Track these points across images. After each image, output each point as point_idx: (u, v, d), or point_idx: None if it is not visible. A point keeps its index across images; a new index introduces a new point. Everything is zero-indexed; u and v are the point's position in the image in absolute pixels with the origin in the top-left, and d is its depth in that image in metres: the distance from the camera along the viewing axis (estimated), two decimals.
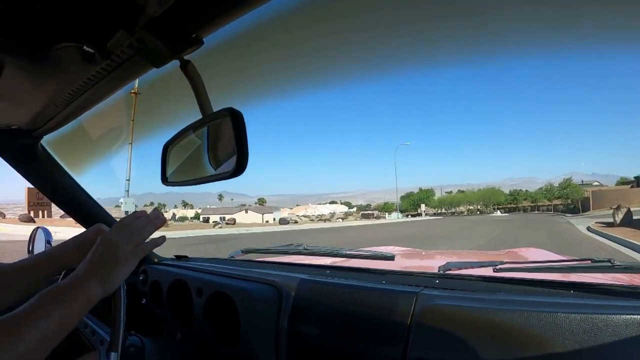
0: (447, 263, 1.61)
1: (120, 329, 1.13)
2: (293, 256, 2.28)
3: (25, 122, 1.74)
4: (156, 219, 1.15)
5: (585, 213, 68.62)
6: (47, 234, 1.99)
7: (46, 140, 1.98)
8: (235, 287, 1.67)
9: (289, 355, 1.51)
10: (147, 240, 1.10)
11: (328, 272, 1.71)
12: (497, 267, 1.48)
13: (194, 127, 1.06)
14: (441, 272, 1.53)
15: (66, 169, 2.15)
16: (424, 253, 2.89)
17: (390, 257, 1.78)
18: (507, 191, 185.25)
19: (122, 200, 32.88)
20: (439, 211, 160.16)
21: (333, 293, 1.46)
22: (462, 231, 29.02)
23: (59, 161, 2.11)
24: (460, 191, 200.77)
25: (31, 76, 1.30)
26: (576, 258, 1.52)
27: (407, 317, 1.23)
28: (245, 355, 1.56)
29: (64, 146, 2.09)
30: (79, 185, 2.20)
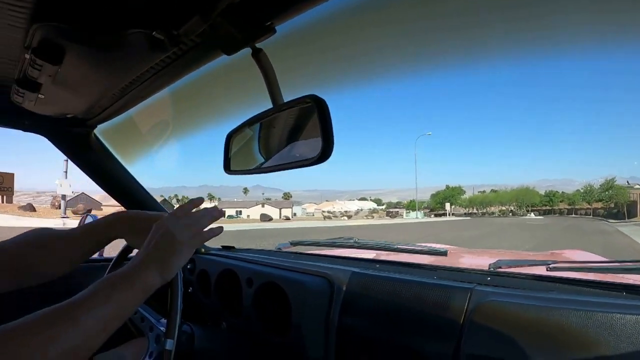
0: (498, 260, 1.58)
1: (177, 317, 1.13)
2: (341, 249, 2.28)
3: (81, 111, 1.77)
4: (214, 210, 1.15)
5: (632, 219, 62.05)
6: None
7: (99, 130, 2.02)
8: (287, 278, 1.67)
9: (337, 347, 1.51)
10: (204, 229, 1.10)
11: (378, 265, 1.70)
12: (550, 265, 1.45)
13: (266, 115, 1.06)
14: (492, 269, 1.50)
15: (118, 157, 2.20)
16: (473, 250, 2.86)
17: (443, 253, 1.77)
18: (542, 192, 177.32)
19: (57, 181, 30.17)
20: (469, 211, 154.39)
21: (384, 287, 1.45)
22: (483, 240, 23.52)
23: (111, 150, 2.17)
24: (493, 191, 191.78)
25: (92, 64, 1.32)
26: (628, 259, 1.48)
27: (461, 313, 1.21)
28: (294, 345, 1.56)
29: (117, 135, 2.12)
30: (129, 174, 2.24)
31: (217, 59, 1.17)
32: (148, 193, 2.34)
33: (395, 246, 1.96)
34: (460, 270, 1.50)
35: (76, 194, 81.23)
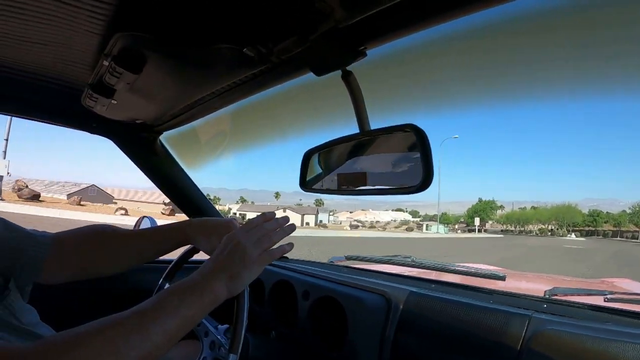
0: (554, 288, 1.55)
1: (242, 332, 1.12)
2: (395, 266, 2.25)
3: (151, 118, 1.81)
4: (286, 224, 1.14)
5: None
6: (153, 222, 2.05)
7: (164, 135, 2.06)
8: (344, 293, 1.66)
9: None
10: (274, 246, 1.09)
11: (433, 286, 1.68)
12: (607, 296, 1.43)
13: (355, 138, 1.07)
14: (548, 296, 1.48)
15: (180, 163, 2.23)
16: (528, 275, 2.82)
17: (501, 277, 1.73)
18: (585, 211, 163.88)
19: None
20: (506, 228, 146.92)
21: (441, 308, 1.43)
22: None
23: (174, 156, 2.20)
24: (533, 208, 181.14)
25: (172, 74, 1.34)
26: None
27: (518, 340, 1.19)
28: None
29: (180, 142, 2.16)
30: (191, 181, 2.27)
31: (301, 77, 1.17)
32: (208, 201, 2.37)
33: (453, 267, 1.94)
34: (516, 295, 1.47)
35: (86, 186, 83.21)
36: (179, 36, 1.10)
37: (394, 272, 2.00)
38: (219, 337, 1.46)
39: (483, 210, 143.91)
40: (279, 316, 1.98)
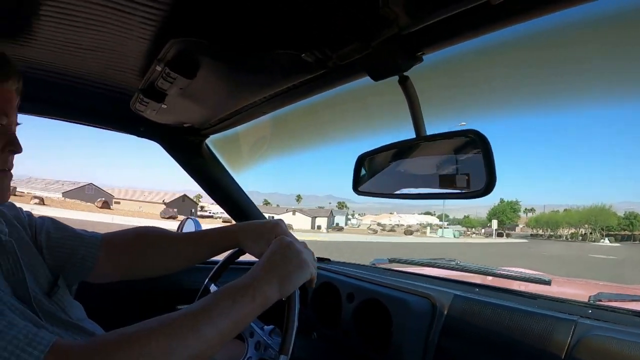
0: (599, 293, 1.53)
1: (292, 333, 1.13)
2: (439, 270, 2.25)
3: (198, 121, 1.85)
4: None
5: None
6: (197, 224, 2.07)
7: (210, 139, 2.10)
8: (389, 296, 1.67)
9: None
10: None
11: (477, 290, 1.68)
12: None
13: (412, 142, 1.07)
14: (592, 301, 1.45)
15: (226, 166, 2.26)
16: (572, 280, 2.78)
17: (546, 282, 1.72)
18: (621, 214, 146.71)
19: None
20: (536, 232, 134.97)
21: (486, 312, 1.43)
22: None
23: (220, 159, 2.24)
24: (565, 210, 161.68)
25: (225, 79, 1.36)
26: None
27: (564, 346, 1.18)
28: None
29: (227, 145, 2.19)
30: (236, 184, 2.30)
31: (357, 81, 1.18)
32: (253, 203, 2.39)
33: (498, 271, 1.93)
34: (561, 300, 1.46)
35: (83, 184, 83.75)
36: (236, 41, 1.12)
37: (437, 275, 1.99)
38: (264, 337, 1.47)
39: (502, 212, 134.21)
40: (321, 317, 1.99)
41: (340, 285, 1.92)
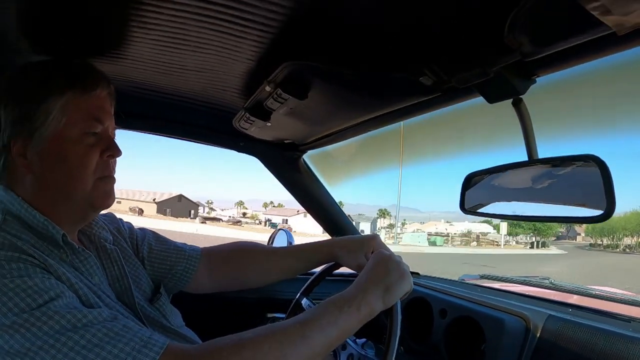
0: None
1: (394, 344, 1.12)
2: (528, 287, 2.21)
3: (299, 138, 1.93)
4: None
5: None
6: (289, 235, 2.13)
7: (308, 155, 2.17)
8: (484, 314, 1.65)
9: None
10: None
11: (570, 310, 1.63)
12: None
13: (524, 164, 1.09)
14: None
15: (322, 181, 2.32)
16: None
17: None
18: None
19: None
20: (595, 241, 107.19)
21: (580, 334, 1.39)
22: None
23: (316, 174, 2.30)
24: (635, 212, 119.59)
25: (336, 100, 1.42)
26: None
27: None
28: None
29: (323, 160, 2.25)
30: (331, 197, 2.35)
31: (468, 101, 1.22)
32: (347, 217, 2.44)
33: (593, 292, 1.88)
34: None
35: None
36: (351, 64, 1.17)
37: (529, 293, 1.96)
38: (357, 350, 1.50)
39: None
40: (410, 331, 2.00)
41: (432, 300, 1.92)
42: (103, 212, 1.17)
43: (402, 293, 1.09)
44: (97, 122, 1.02)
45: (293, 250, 1.42)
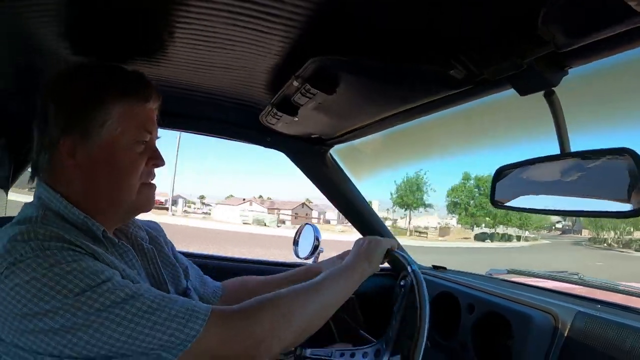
0: None
1: (423, 342, 1.25)
2: (556, 282, 2.18)
3: (326, 133, 1.93)
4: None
5: None
6: (316, 230, 2.09)
7: (335, 149, 2.18)
8: (512, 309, 1.64)
9: None
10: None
11: (599, 306, 1.61)
12: None
13: (556, 158, 1.08)
14: None
15: (350, 176, 2.33)
16: None
17: None
18: None
19: None
20: (598, 236, 76.10)
21: (609, 330, 1.37)
22: None
23: (343, 168, 2.31)
24: None
25: (363, 93, 1.42)
26: None
27: None
28: None
29: (351, 155, 2.25)
30: (358, 192, 2.36)
31: (500, 93, 1.21)
32: (375, 213, 2.46)
33: (623, 288, 1.84)
34: None
35: None
36: (380, 57, 1.17)
37: (557, 289, 1.94)
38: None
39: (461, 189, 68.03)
40: (436, 327, 2.00)
41: (460, 295, 1.92)
42: (150, 221, 1.37)
43: (382, 253, 1.39)
44: (147, 132, 1.08)
45: (290, 276, 1.59)
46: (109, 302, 0.84)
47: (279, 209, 66.01)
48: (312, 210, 70.25)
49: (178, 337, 0.88)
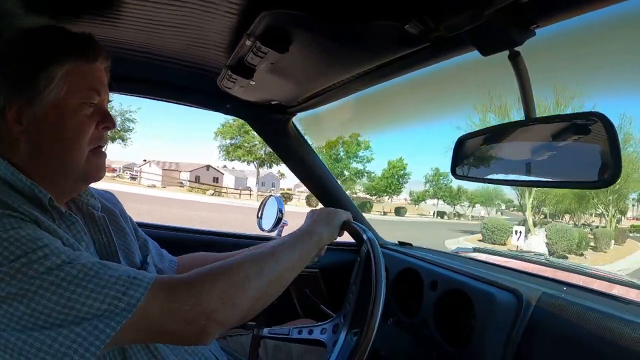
0: None
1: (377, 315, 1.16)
2: (523, 263, 2.17)
3: (286, 99, 1.85)
4: None
5: None
6: (280, 202, 2.02)
7: (297, 117, 2.11)
8: (474, 287, 1.61)
9: None
10: None
11: (565, 288, 1.58)
12: None
13: (521, 124, 1.02)
14: None
15: (312, 146, 2.27)
16: None
17: None
18: None
19: None
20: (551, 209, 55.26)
21: (574, 313, 1.34)
22: None
23: (306, 138, 2.25)
24: None
25: (319, 53, 1.34)
26: None
27: None
28: (471, 358, 1.50)
29: (313, 125, 2.20)
30: (322, 164, 2.32)
31: (461, 56, 1.14)
32: (339, 186, 2.41)
33: (590, 271, 1.83)
34: None
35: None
36: (333, 12, 1.09)
37: (523, 269, 1.91)
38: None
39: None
40: (399, 304, 1.96)
41: (423, 272, 1.88)
42: (105, 191, 1.35)
43: (340, 221, 1.36)
44: (95, 93, 1.05)
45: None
46: (43, 268, 0.81)
47: (179, 171, 63.34)
48: (222, 174, 68.35)
49: (117, 305, 0.83)
